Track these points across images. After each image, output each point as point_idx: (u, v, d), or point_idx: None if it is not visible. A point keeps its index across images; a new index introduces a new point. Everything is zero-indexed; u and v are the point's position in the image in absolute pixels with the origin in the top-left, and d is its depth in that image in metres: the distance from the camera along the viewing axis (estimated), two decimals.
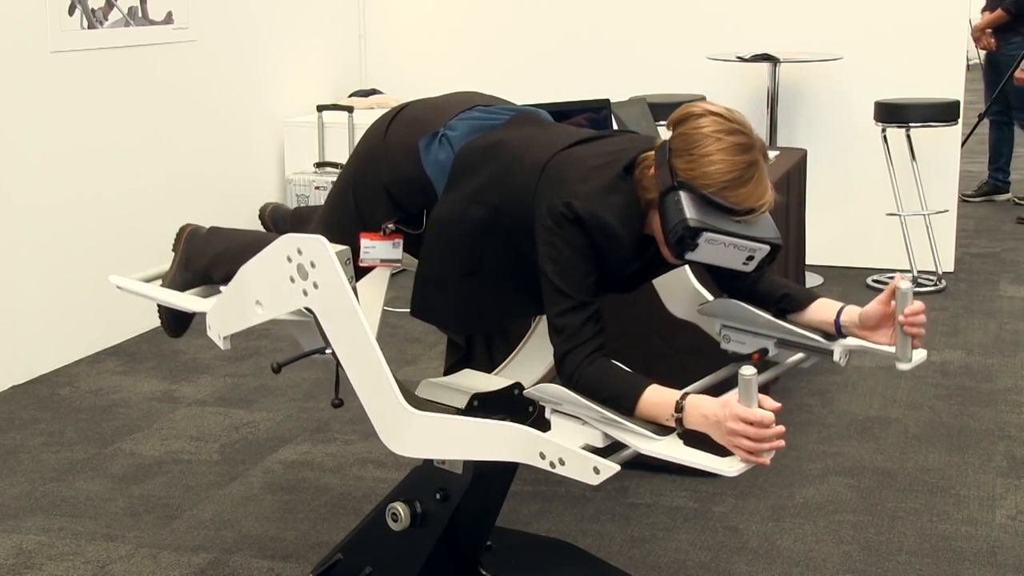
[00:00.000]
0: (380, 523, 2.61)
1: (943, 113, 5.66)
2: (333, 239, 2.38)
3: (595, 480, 2.08)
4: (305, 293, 2.35)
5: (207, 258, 2.81)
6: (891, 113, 5.69)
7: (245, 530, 3.35)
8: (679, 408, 2.10)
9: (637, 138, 2.42)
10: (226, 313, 2.56)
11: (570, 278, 2.22)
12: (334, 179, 6.38)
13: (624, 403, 2.14)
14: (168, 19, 5.24)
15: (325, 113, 6.01)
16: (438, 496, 2.53)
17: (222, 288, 2.80)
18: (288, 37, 6.20)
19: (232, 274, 2.63)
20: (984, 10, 7.98)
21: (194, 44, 5.42)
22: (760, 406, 2.03)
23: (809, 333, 2.45)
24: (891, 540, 3.27)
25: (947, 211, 6.02)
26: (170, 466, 3.79)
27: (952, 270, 6.09)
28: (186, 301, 2.72)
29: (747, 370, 2.01)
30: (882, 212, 6.07)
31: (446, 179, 2.42)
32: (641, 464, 3.67)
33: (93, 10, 4.81)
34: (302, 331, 2.60)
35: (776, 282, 2.52)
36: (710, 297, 2.66)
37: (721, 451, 2.07)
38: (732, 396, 2.05)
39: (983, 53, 7.90)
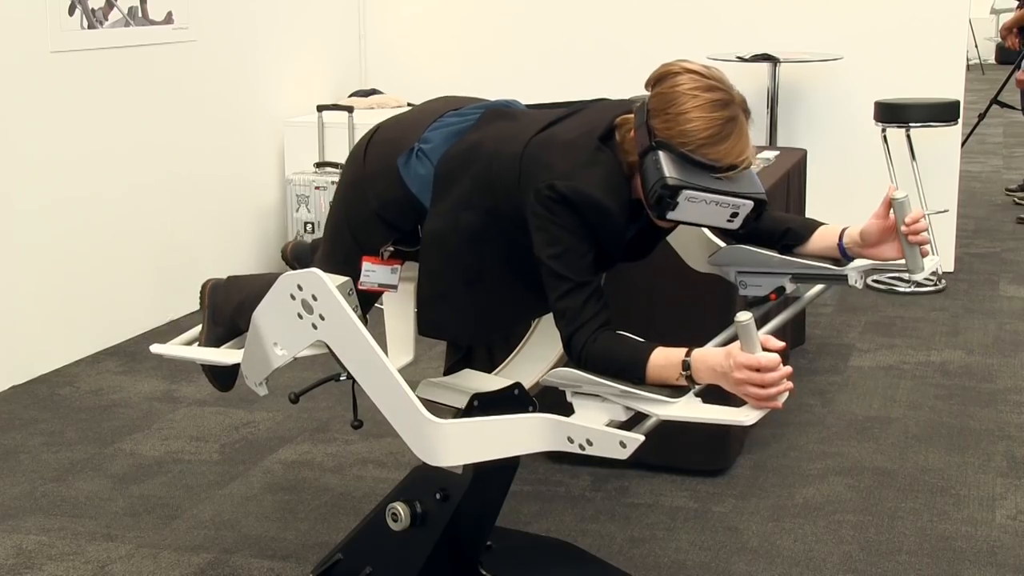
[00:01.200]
0: (380, 523, 2.62)
1: (943, 113, 5.65)
2: (339, 272, 2.39)
3: (623, 454, 2.09)
4: (315, 327, 2.36)
5: (230, 309, 2.82)
6: (891, 113, 5.69)
7: (245, 530, 3.35)
8: (686, 367, 2.11)
9: (609, 105, 2.40)
10: (253, 361, 2.57)
11: (566, 260, 2.21)
12: (334, 179, 6.40)
13: (633, 374, 2.15)
14: (168, 19, 5.24)
15: (325, 113, 6.01)
16: (438, 496, 2.53)
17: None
18: (288, 37, 6.20)
19: None
20: (1018, 7, 7.99)
21: (194, 44, 5.42)
22: (765, 348, 2.02)
23: (819, 263, 2.44)
24: (891, 540, 3.27)
25: (947, 211, 6.02)
26: (170, 466, 3.79)
27: (952, 270, 6.10)
28: (222, 355, 2.74)
29: (742, 316, 2.01)
30: None
31: (430, 193, 2.41)
32: (641, 464, 3.67)
33: (93, 10, 4.81)
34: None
35: (777, 218, 2.51)
36: (723, 245, 2.65)
37: (738, 402, 2.07)
38: (736, 345, 2.05)
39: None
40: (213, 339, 2.85)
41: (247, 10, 5.81)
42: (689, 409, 2.10)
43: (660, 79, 2.24)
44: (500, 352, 2.99)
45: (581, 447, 2.14)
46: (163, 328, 5.23)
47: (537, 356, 2.83)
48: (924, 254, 2.40)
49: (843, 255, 2.46)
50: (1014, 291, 5.75)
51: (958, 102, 5.74)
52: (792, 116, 6.20)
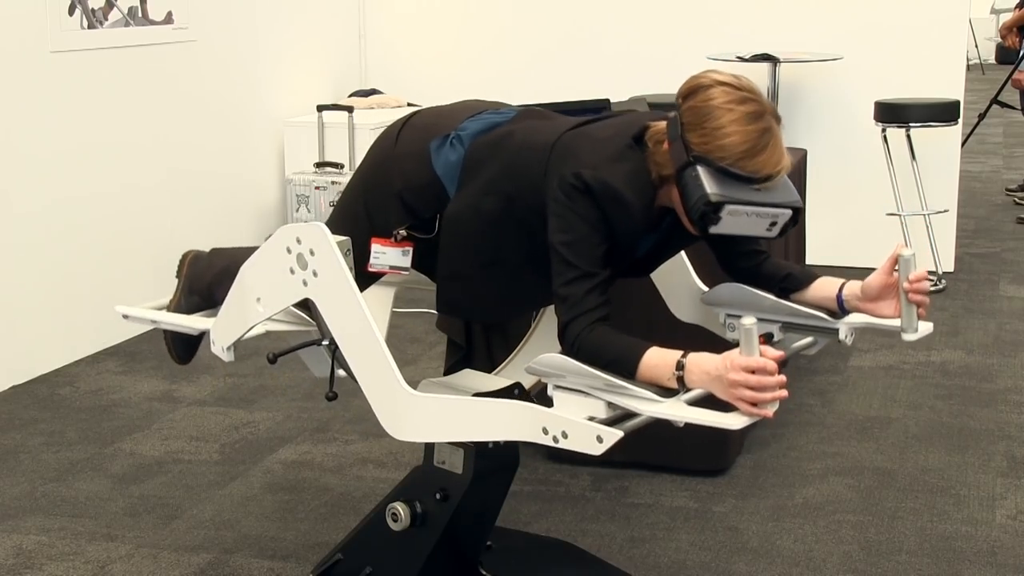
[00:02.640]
0: (380, 523, 2.62)
1: (943, 113, 5.65)
2: None
3: (598, 449, 2.05)
4: (305, 283, 2.36)
5: (209, 278, 2.82)
6: (891, 113, 5.69)
7: (245, 530, 3.35)
8: (680, 367, 2.09)
9: (642, 113, 2.42)
10: (228, 320, 2.56)
11: (578, 249, 2.22)
12: (334, 179, 6.39)
13: (625, 367, 2.14)
14: (168, 19, 5.24)
15: (325, 113, 6.01)
16: (438, 496, 2.53)
17: None
18: (288, 37, 6.20)
19: None
20: (1017, 7, 8.00)
21: (194, 44, 5.42)
22: (762, 356, 2.02)
23: (813, 311, 2.44)
24: (891, 540, 3.27)
25: (947, 211, 6.03)
26: (170, 466, 3.79)
27: (952, 270, 6.10)
28: (191, 322, 2.74)
29: (747, 320, 2.00)
30: (882, 212, 6.07)
31: (457, 178, 2.43)
32: (641, 464, 3.68)
33: (93, 10, 4.81)
34: (312, 358, 2.61)
35: (779, 264, 2.53)
36: (707, 289, 2.65)
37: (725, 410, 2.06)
38: (734, 351, 2.04)
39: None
40: (185, 308, 2.85)
41: (247, 10, 5.81)
42: (676, 409, 2.08)
43: (691, 92, 2.24)
44: (500, 352, 3.00)
45: (555, 439, 2.10)
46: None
47: (538, 356, 2.83)
48: (921, 316, 2.39)
49: (840, 307, 2.45)
50: (1014, 291, 5.75)
51: (958, 102, 5.74)
52: (792, 116, 6.20)
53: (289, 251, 2.37)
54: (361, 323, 2.28)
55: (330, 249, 2.30)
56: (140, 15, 5.07)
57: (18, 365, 4.57)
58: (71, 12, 4.70)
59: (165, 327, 2.81)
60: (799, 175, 4.75)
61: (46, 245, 4.68)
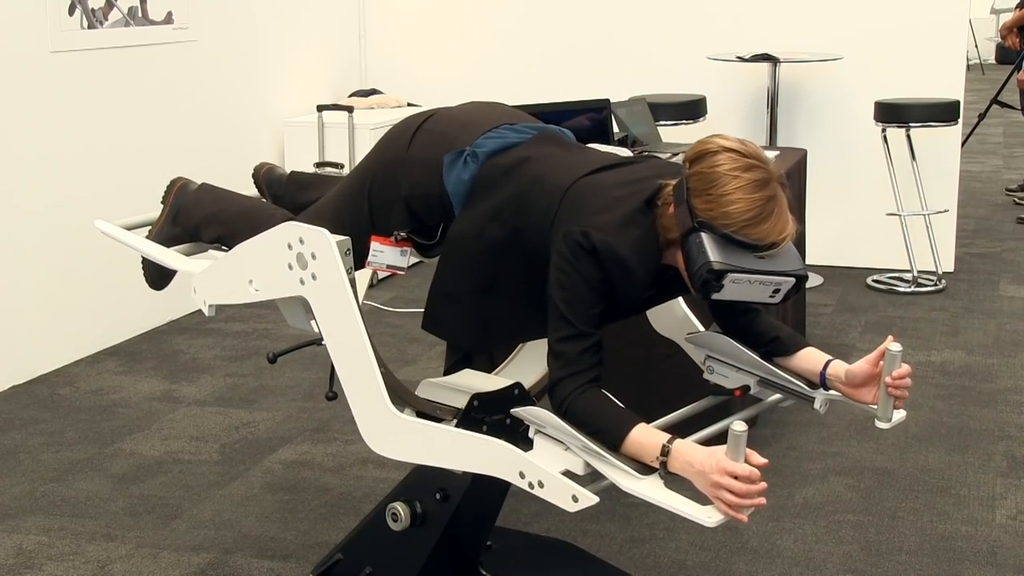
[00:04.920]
0: (380, 523, 2.62)
1: (943, 113, 5.66)
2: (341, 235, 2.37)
3: (572, 508, 2.09)
4: (302, 282, 2.35)
5: (197, 217, 2.79)
6: (891, 113, 5.69)
7: (245, 530, 3.35)
8: (665, 452, 2.10)
9: (661, 165, 2.38)
10: (217, 283, 2.54)
11: (576, 307, 2.21)
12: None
13: (611, 438, 2.14)
14: (168, 19, 5.24)
15: (325, 113, 6.01)
16: (438, 496, 2.53)
17: (210, 249, 2.79)
18: (288, 37, 6.20)
19: (222, 237, 2.62)
20: (1017, 7, 8.01)
21: (194, 44, 5.42)
22: (747, 461, 2.03)
23: (793, 378, 2.44)
24: (891, 540, 3.27)
25: (947, 211, 6.03)
26: (170, 466, 3.79)
27: (952, 270, 6.10)
28: (171, 258, 2.70)
29: (738, 426, 2.02)
30: (882, 212, 6.07)
31: (466, 196, 2.41)
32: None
33: (93, 10, 4.81)
34: (288, 307, 2.60)
35: (770, 324, 2.51)
36: (698, 324, 2.64)
37: (699, 497, 2.08)
38: (720, 448, 2.05)
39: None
40: (165, 237, 2.83)
41: (247, 10, 5.81)
42: (653, 490, 2.09)
43: (698, 157, 2.22)
44: (500, 352, 2.99)
45: (531, 485, 2.14)
46: (163, 328, 5.23)
47: (538, 356, 2.83)
48: (897, 407, 2.40)
49: (822, 383, 2.45)
50: (1014, 291, 5.75)
51: (958, 102, 5.74)
52: (792, 116, 6.20)
53: (290, 247, 2.35)
54: (355, 336, 2.28)
55: (333, 258, 2.29)
56: (140, 15, 5.07)
57: (18, 365, 4.57)
58: (71, 12, 4.70)
59: (144, 256, 2.77)
60: (799, 175, 4.75)
61: (46, 245, 4.68)
